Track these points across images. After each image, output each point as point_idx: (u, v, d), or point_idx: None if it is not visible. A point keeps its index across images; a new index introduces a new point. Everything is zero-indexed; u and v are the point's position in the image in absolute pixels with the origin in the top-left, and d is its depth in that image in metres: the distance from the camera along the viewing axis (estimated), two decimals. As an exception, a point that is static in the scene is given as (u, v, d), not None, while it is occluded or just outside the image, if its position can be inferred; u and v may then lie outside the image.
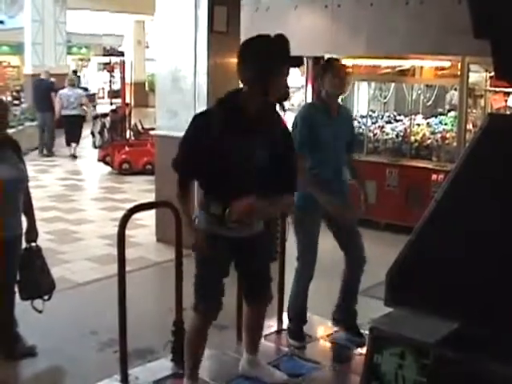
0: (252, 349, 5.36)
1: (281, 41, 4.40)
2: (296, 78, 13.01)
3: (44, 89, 19.47)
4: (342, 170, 6.14)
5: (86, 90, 32.64)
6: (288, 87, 4.61)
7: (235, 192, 4.49)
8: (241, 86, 4.62)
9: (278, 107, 4.70)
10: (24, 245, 6.15)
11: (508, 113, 10.38)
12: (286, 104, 4.76)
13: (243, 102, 4.51)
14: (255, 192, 4.54)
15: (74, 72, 20.15)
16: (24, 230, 6.12)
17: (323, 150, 5.87)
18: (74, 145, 19.14)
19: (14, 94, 28.12)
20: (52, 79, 20.20)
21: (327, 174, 5.90)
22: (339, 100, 6.40)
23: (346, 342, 6.17)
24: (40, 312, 6.16)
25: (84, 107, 19.36)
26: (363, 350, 5.46)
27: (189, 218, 4.71)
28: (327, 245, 6.12)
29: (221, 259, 4.75)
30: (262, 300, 5.15)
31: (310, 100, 12.73)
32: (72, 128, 19.11)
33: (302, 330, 6.17)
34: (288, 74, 4.53)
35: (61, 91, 18.73)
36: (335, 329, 6.39)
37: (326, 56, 11.75)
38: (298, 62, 4.58)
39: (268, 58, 4.35)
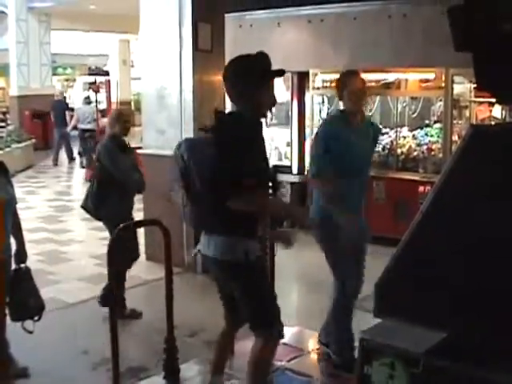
0: (222, 368, 5.32)
1: (261, 56, 4.61)
2: (281, 92, 13.06)
3: (60, 108, 21.42)
4: (365, 183, 6.15)
5: (72, 110, 32.79)
6: (275, 98, 4.74)
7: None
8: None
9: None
10: (13, 266, 6.15)
11: (492, 123, 10.43)
12: (269, 116, 4.89)
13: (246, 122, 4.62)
14: None
15: (87, 98, 21.23)
16: (13, 252, 6.13)
17: (351, 162, 5.83)
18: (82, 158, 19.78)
19: (0, 115, 28.11)
20: (65, 99, 22.01)
21: (350, 190, 5.85)
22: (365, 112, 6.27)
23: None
24: (30, 333, 6.15)
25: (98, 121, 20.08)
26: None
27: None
28: (318, 258, 6.13)
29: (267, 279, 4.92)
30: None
31: (295, 115, 12.77)
32: (85, 140, 19.79)
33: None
34: (273, 86, 4.69)
35: (77, 107, 20.79)
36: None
37: (312, 70, 11.88)
38: (280, 73, 4.66)
39: (251, 73, 4.56)
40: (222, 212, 4.50)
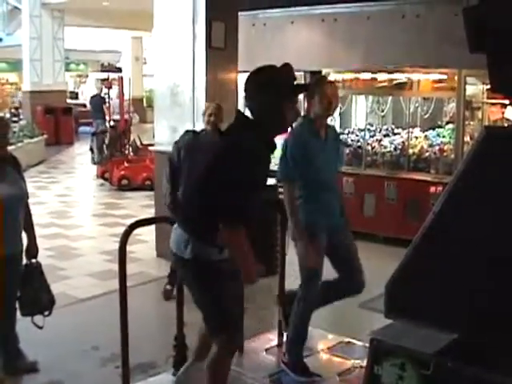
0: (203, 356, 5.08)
1: (287, 69, 4.45)
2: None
3: (98, 102, 22.10)
4: (336, 190, 6.08)
5: (84, 106, 32.94)
6: (299, 113, 4.71)
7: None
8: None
9: None
10: (24, 261, 6.16)
11: (505, 125, 10.40)
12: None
13: (270, 136, 4.52)
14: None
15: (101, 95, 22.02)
16: (24, 247, 6.15)
17: (316, 173, 5.75)
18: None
19: (13, 110, 28.21)
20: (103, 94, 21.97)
21: (323, 197, 5.79)
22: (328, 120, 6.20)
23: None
24: (40, 328, 6.15)
25: (130, 114, 21.21)
26: (364, 362, 5.47)
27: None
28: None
29: (233, 286, 4.68)
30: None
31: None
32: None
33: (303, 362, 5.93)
34: (297, 101, 4.59)
35: (111, 101, 21.26)
36: (335, 341, 6.40)
37: (324, 71, 11.86)
38: (304, 88, 4.57)
39: (277, 85, 4.39)
40: (190, 210, 4.53)
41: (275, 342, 6.32)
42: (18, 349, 6.19)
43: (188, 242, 4.53)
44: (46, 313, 6.22)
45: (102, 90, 21.90)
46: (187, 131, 7.80)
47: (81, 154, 23.35)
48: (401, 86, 12.26)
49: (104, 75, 27.14)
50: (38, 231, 6.39)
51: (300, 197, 5.72)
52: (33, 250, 6.21)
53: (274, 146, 4.53)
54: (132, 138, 17.77)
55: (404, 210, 11.03)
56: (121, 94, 18.40)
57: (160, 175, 8.53)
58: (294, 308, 5.88)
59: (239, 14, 10.05)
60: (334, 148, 5.99)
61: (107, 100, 21.54)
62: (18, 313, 6.12)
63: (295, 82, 4.53)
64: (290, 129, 4.99)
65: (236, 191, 4.27)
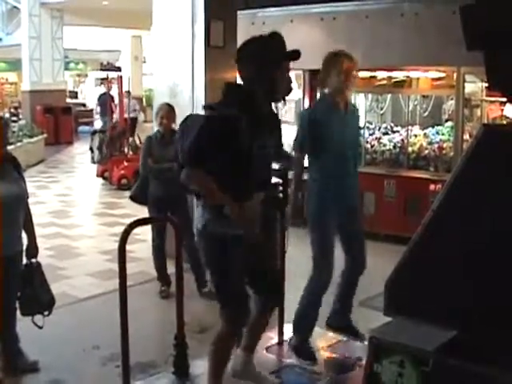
0: (251, 347, 5.29)
1: (276, 37, 4.59)
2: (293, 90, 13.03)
3: (105, 100, 21.53)
4: (354, 167, 6.16)
5: (83, 105, 32.95)
6: (291, 81, 4.75)
7: (250, 191, 4.57)
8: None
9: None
10: (24, 261, 6.17)
11: (504, 122, 10.40)
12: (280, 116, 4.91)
13: (256, 101, 4.59)
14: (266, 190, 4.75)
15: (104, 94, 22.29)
16: (24, 247, 6.15)
17: (335, 147, 5.88)
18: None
19: (12, 110, 28.19)
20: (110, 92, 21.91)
21: (338, 171, 5.91)
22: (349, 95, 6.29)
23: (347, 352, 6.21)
24: (40, 328, 6.16)
25: (137, 112, 22.76)
26: (363, 360, 5.48)
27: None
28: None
29: (241, 261, 4.70)
30: (275, 299, 5.15)
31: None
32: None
33: (310, 345, 6.10)
34: (289, 69, 4.66)
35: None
36: (335, 339, 6.42)
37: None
38: (295, 55, 4.60)
39: (266, 53, 4.52)
40: None
41: (275, 340, 6.32)
42: (19, 348, 6.20)
43: (201, 213, 4.65)
44: (46, 313, 6.23)
45: (110, 89, 22.00)
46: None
47: (80, 153, 23.34)
48: (400, 84, 12.26)
49: (103, 74, 27.16)
50: (37, 231, 6.40)
51: (314, 180, 5.85)
52: (33, 250, 6.22)
53: (261, 117, 4.60)
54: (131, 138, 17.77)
55: (404, 208, 11.04)
56: (120, 93, 18.37)
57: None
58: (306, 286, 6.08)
59: (238, 12, 10.05)
60: (355, 124, 6.08)
61: (83, 100, 21.65)
62: (18, 312, 6.13)
63: (285, 49, 4.59)
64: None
65: (196, 139, 4.42)
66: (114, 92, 20.82)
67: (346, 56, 5.95)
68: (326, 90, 6.06)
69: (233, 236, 4.57)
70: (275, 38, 4.58)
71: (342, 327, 6.39)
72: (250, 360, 5.30)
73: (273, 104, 4.88)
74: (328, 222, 5.96)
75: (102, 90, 24.10)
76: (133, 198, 8.67)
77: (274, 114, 4.92)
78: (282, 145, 5.21)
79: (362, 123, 12.63)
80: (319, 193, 5.94)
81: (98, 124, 21.92)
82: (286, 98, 4.79)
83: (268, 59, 4.50)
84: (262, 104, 4.63)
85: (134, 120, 22.40)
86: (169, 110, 8.26)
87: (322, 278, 6.00)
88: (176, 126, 8.34)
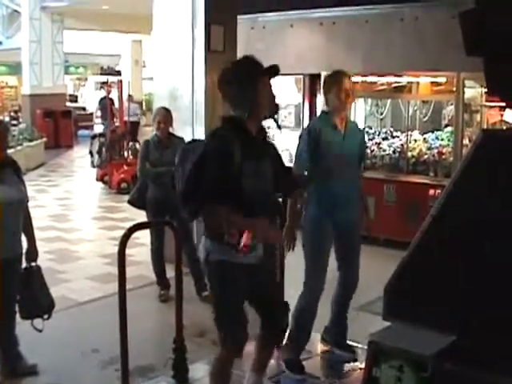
0: (260, 368, 5.20)
1: (244, 59, 4.68)
2: (293, 95, 13.06)
3: (106, 103, 21.69)
4: (355, 185, 6.15)
5: (83, 109, 32.97)
6: (275, 98, 4.71)
7: (250, 217, 4.54)
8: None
9: (273, 124, 5.01)
10: (24, 264, 6.17)
11: (503, 127, 10.41)
12: (279, 121, 4.90)
13: (244, 124, 4.63)
14: (267, 215, 4.69)
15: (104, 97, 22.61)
16: (24, 250, 6.15)
17: (330, 164, 5.88)
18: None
19: (12, 114, 28.19)
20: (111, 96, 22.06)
21: (337, 189, 5.90)
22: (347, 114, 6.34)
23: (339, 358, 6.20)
24: (40, 331, 6.15)
25: (138, 116, 24.31)
26: (362, 364, 5.48)
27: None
28: (331, 258, 6.11)
29: (240, 287, 4.71)
30: (279, 327, 5.11)
31: (307, 118, 12.77)
32: (131, 129, 20.97)
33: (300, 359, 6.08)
34: (269, 84, 4.66)
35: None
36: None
37: (324, 73, 11.86)
38: (273, 69, 4.63)
39: (239, 76, 4.58)
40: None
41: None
42: (18, 351, 6.19)
43: (203, 242, 4.71)
44: (46, 316, 6.22)
45: (110, 93, 22.10)
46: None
47: (80, 157, 23.34)
48: (399, 89, 12.27)
49: (103, 78, 27.17)
50: (37, 234, 6.40)
51: (311, 193, 5.88)
52: (33, 254, 6.22)
53: (252, 137, 4.64)
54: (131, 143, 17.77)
55: (403, 213, 11.04)
56: (120, 97, 18.38)
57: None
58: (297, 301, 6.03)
59: (238, 17, 10.07)
60: (354, 142, 6.08)
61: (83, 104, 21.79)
62: (18, 316, 6.13)
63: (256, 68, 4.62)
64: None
65: (206, 180, 4.46)
66: (114, 96, 20.87)
67: (346, 75, 6.00)
68: (326, 108, 6.08)
69: (233, 263, 4.60)
70: (248, 59, 4.64)
71: (335, 342, 6.35)
72: (260, 381, 5.23)
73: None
74: (323, 237, 5.95)
75: (103, 93, 24.43)
76: (131, 203, 8.69)
77: (265, 136, 4.88)
78: (285, 169, 5.16)
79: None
80: (315, 205, 5.94)
81: (98, 128, 22.06)
82: (277, 112, 4.89)
83: (243, 78, 4.56)
84: (248, 127, 4.65)
85: (136, 124, 23.43)
86: (166, 115, 8.29)
87: (312, 295, 5.98)
88: (173, 129, 8.37)
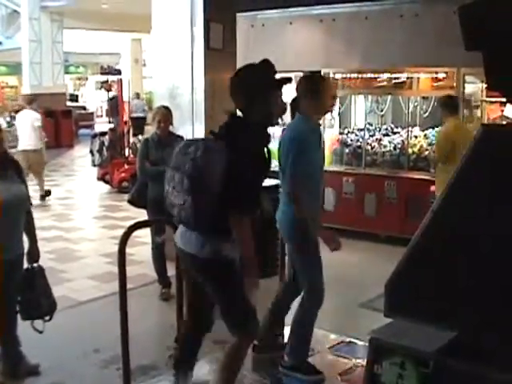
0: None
1: (266, 65, 4.63)
2: (289, 93, 13.03)
3: (115, 102, 21.63)
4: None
5: (84, 108, 32.98)
6: (285, 104, 4.79)
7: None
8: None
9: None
10: (26, 265, 6.15)
11: (503, 122, 10.40)
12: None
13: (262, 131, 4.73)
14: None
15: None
16: (25, 250, 6.13)
17: (314, 168, 5.71)
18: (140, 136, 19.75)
19: (13, 114, 28.18)
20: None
21: (318, 193, 5.83)
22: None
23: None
24: (40, 332, 6.12)
25: (146, 112, 25.72)
26: (364, 361, 5.47)
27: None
28: (333, 255, 6.01)
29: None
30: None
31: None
32: (138, 125, 23.15)
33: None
34: (281, 93, 4.72)
35: (131, 101, 21.93)
36: (336, 341, 6.41)
37: (322, 71, 11.85)
38: (286, 81, 4.67)
39: (260, 81, 4.60)
40: (202, 211, 4.49)
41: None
42: (19, 351, 6.18)
43: (205, 241, 4.62)
44: (47, 317, 6.20)
45: (120, 92, 22.32)
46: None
47: (81, 156, 23.36)
48: (400, 85, 12.25)
49: (103, 78, 27.21)
50: (38, 234, 6.39)
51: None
52: (34, 254, 6.20)
53: (268, 140, 4.74)
54: (132, 141, 17.76)
55: (404, 209, 11.04)
56: (120, 97, 18.39)
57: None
58: (297, 311, 5.88)
59: (237, 15, 10.06)
60: (320, 144, 6.03)
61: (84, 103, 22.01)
62: (19, 316, 6.12)
63: (276, 76, 4.67)
64: (282, 127, 5.10)
65: (245, 184, 4.47)
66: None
67: (330, 81, 6.06)
68: (306, 112, 5.82)
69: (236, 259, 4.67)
70: (267, 65, 4.64)
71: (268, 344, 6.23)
72: None
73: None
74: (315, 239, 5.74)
75: (111, 94, 24.92)
76: (131, 202, 8.68)
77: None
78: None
79: (361, 125, 12.71)
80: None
81: (100, 127, 22.18)
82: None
83: (263, 85, 4.61)
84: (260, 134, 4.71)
85: (143, 119, 25.33)
86: (166, 113, 8.29)
87: (318, 304, 5.78)
88: (174, 128, 8.37)
